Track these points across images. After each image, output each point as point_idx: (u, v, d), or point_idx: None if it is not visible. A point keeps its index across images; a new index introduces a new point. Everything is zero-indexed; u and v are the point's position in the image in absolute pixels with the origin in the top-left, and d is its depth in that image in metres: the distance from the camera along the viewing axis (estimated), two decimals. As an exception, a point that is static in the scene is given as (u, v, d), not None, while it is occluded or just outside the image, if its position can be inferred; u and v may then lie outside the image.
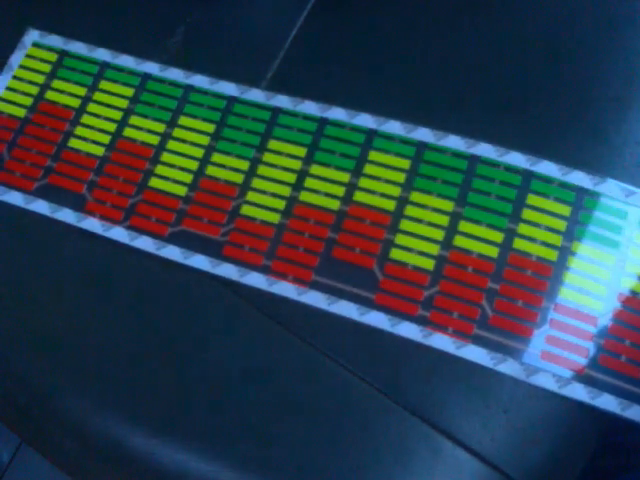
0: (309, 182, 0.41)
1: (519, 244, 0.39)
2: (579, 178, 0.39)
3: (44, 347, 0.40)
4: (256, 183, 0.42)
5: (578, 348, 0.37)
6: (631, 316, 0.38)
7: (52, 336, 0.40)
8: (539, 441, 0.37)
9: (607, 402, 0.37)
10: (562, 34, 0.43)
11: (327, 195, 0.41)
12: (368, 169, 0.41)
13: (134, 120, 0.44)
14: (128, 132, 0.44)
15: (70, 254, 0.42)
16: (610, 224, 0.39)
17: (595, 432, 0.38)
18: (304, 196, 0.41)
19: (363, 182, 0.41)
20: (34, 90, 0.45)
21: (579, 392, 0.37)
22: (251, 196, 0.41)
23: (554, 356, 0.37)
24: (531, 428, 0.37)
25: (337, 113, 0.42)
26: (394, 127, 0.42)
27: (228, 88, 0.44)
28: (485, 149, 0.40)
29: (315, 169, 0.41)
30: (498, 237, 0.39)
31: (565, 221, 0.39)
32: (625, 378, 0.37)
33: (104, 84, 0.45)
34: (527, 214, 0.39)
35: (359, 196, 0.40)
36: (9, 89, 0.46)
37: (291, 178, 0.41)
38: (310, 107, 0.43)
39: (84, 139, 0.44)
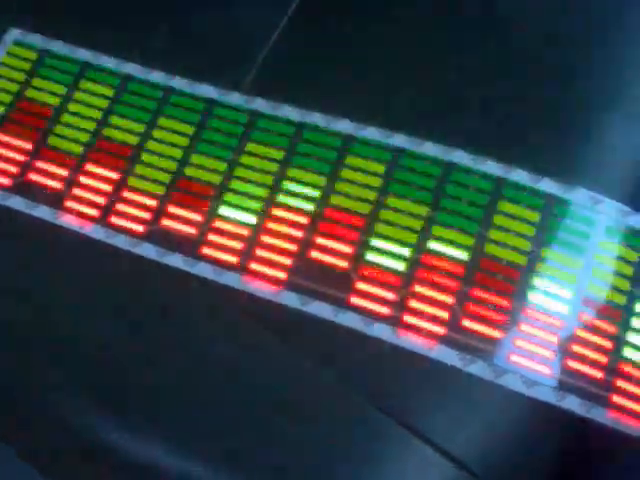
0: (286, 184, 0.42)
1: (490, 249, 0.40)
2: (549, 186, 0.41)
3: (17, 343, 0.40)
4: (234, 184, 0.42)
5: (545, 351, 0.38)
6: (596, 320, 0.39)
7: (26, 331, 0.40)
8: (507, 440, 0.38)
9: (572, 403, 0.38)
10: (539, 48, 0.44)
11: (303, 197, 0.42)
12: (345, 173, 0.42)
13: (114, 120, 0.45)
14: (108, 132, 0.44)
15: (45, 250, 0.42)
16: (578, 231, 0.40)
17: (561, 432, 0.39)
18: (281, 198, 0.42)
19: (339, 186, 0.42)
20: (14, 88, 0.46)
21: (546, 394, 0.38)
22: (228, 197, 0.42)
23: (522, 358, 0.38)
24: (499, 428, 0.38)
25: (315, 118, 0.43)
26: (371, 133, 0.43)
27: (208, 91, 0.45)
28: (460, 156, 0.42)
29: (292, 172, 0.42)
30: (470, 241, 0.40)
31: (534, 227, 0.40)
32: (590, 381, 0.38)
33: (85, 84, 0.46)
34: (498, 220, 0.40)
35: (335, 199, 0.41)
36: (-10, 86, 0.46)
37: (268, 180, 0.42)
38: (289, 112, 0.44)
39: (63, 137, 0.44)
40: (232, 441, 0.38)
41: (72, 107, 0.45)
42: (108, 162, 0.43)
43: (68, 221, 0.42)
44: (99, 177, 0.43)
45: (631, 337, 0.39)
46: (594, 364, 0.39)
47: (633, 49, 0.44)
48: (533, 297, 0.39)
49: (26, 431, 0.41)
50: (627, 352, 0.39)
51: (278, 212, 0.41)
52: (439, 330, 0.39)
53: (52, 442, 0.40)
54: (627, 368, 0.39)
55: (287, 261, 0.40)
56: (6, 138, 0.44)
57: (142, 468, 0.38)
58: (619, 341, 0.39)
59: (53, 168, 0.44)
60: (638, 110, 0.43)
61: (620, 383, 0.39)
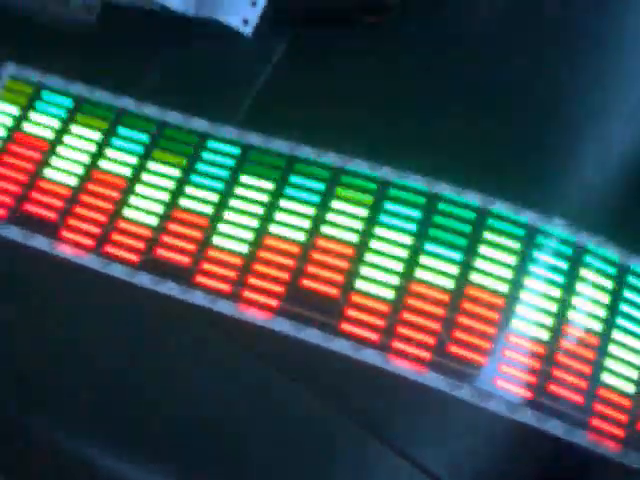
0: (278, 215, 0.43)
1: (474, 277, 0.41)
2: (531, 217, 0.42)
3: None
4: (227, 215, 0.44)
5: (528, 375, 0.40)
6: (576, 346, 0.41)
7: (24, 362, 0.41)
8: (490, 461, 0.39)
9: (554, 427, 0.39)
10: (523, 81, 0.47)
11: (294, 227, 0.43)
12: (334, 204, 0.43)
13: (109, 152, 0.46)
14: (102, 164, 0.46)
15: (42, 280, 0.43)
16: (557, 259, 0.42)
17: (545, 455, 0.41)
18: (272, 228, 0.43)
19: (329, 216, 0.43)
20: (10, 121, 0.47)
21: (528, 417, 0.39)
22: (222, 227, 0.43)
23: (506, 383, 0.40)
24: (483, 449, 0.39)
25: (305, 151, 0.45)
26: (359, 165, 0.44)
27: (201, 125, 0.46)
28: (444, 188, 0.43)
29: (284, 203, 0.44)
30: (456, 270, 0.42)
31: (516, 256, 0.42)
32: (571, 405, 0.40)
33: (80, 117, 0.47)
34: (482, 249, 0.42)
35: (325, 229, 0.43)
36: (-14, 119, 0.47)
37: (260, 211, 0.44)
38: (280, 145, 0.45)
39: (58, 169, 0.46)
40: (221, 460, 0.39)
41: (67, 140, 0.46)
42: (103, 193, 0.45)
43: (64, 251, 0.43)
44: (94, 208, 0.44)
45: (609, 363, 0.41)
46: (574, 389, 0.40)
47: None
48: (516, 324, 0.41)
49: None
50: (605, 377, 0.41)
51: (270, 242, 0.43)
52: (427, 355, 0.40)
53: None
54: (605, 393, 0.41)
55: (279, 289, 0.42)
56: (2, 170, 0.46)
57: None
58: (598, 366, 0.41)
59: (48, 199, 0.45)
60: (608, 154, 0.46)
61: (599, 407, 0.40)
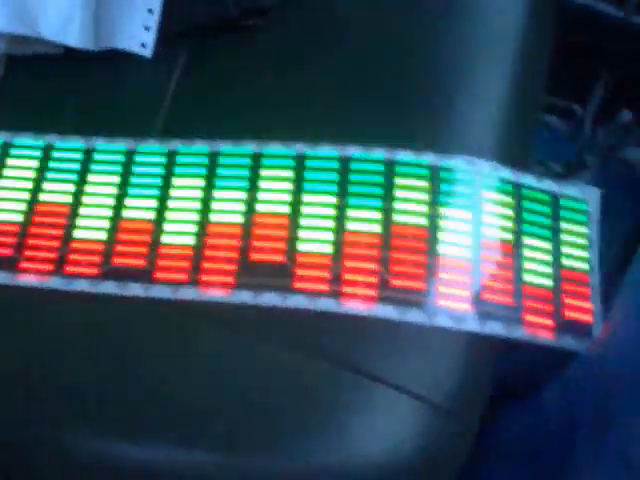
0: (214, 205, 0.48)
1: (396, 218, 0.47)
2: (431, 158, 0.49)
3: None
4: (169, 215, 0.48)
5: (463, 290, 0.46)
6: (495, 256, 0.47)
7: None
8: (452, 370, 0.45)
9: (496, 329, 0.45)
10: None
11: (232, 212, 0.48)
12: (261, 184, 0.49)
13: (46, 186, 0.50)
14: (43, 197, 0.49)
15: (11, 310, 0.47)
16: (462, 189, 0.48)
17: (494, 358, 0.47)
18: (213, 217, 0.48)
19: (260, 195, 0.48)
20: None
21: (472, 325, 0.45)
22: (167, 227, 0.48)
23: (446, 300, 0.45)
24: (442, 361, 0.45)
25: (224, 145, 0.50)
26: (274, 147, 0.50)
27: (125, 143, 0.51)
28: (352, 150, 0.49)
29: (216, 193, 0.48)
30: (379, 216, 0.47)
31: (428, 193, 0.48)
32: (504, 307, 0.46)
33: (10, 160, 0.50)
34: (397, 193, 0.48)
35: (259, 207, 0.48)
36: None
37: (198, 205, 0.48)
38: (200, 144, 0.50)
39: (2, 210, 0.49)
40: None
41: (2, 183, 0.50)
42: (50, 222, 0.48)
43: (26, 280, 0.47)
44: (45, 237, 0.48)
45: (526, 265, 0.47)
46: (504, 292, 0.46)
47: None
48: (442, 249, 0.47)
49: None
50: (525, 278, 0.47)
51: (213, 229, 0.47)
52: (373, 293, 0.45)
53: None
54: (530, 290, 0.47)
55: (232, 267, 0.46)
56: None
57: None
58: (517, 270, 0.47)
59: (0, 238, 0.48)
60: (488, 91, 0.53)
61: (528, 304, 0.46)
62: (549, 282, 0.47)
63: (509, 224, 0.48)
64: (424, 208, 0.48)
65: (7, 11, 0.49)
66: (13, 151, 0.51)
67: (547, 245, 0.48)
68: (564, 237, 0.49)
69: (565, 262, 0.48)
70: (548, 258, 0.48)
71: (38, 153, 0.51)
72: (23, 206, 0.49)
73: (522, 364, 0.52)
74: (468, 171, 0.49)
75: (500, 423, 0.51)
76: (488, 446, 0.51)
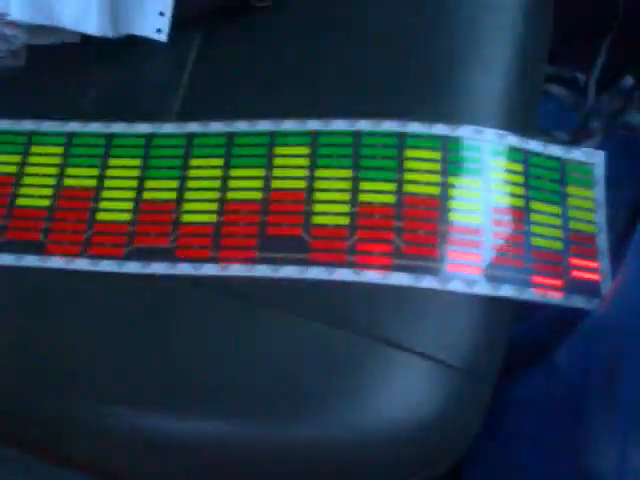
0: (232, 183, 0.50)
1: (408, 188, 0.49)
2: (440, 129, 0.50)
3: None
4: (189, 195, 0.50)
5: (473, 255, 0.47)
6: (505, 222, 0.49)
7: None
8: (466, 332, 0.47)
9: (507, 291, 0.47)
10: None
11: (250, 189, 0.50)
12: (277, 161, 0.50)
13: (70, 171, 0.52)
14: (68, 182, 0.51)
15: (39, 292, 0.49)
16: (471, 157, 0.50)
17: (510, 319, 0.48)
18: (231, 195, 0.50)
19: (276, 172, 0.50)
20: None
21: (484, 288, 0.47)
22: (187, 206, 0.50)
23: (458, 266, 0.47)
24: (458, 324, 0.47)
25: (240, 125, 0.52)
26: (289, 125, 0.51)
27: (144, 127, 0.52)
28: (363, 124, 0.51)
29: (234, 172, 0.50)
30: (392, 187, 0.49)
31: (438, 163, 0.49)
32: (514, 269, 0.48)
33: (35, 148, 0.53)
34: (409, 164, 0.49)
35: (275, 184, 0.50)
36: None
37: (216, 184, 0.50)
38: (217, 126, 0.52)
39: (29, 196, 0.51)
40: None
41: (29, 170, 0.52)
42: (75, 205, 0.50)
43: (54, 263, 0.49)
44: (71, 220, 0.50)
45: (536, 229, 0.49)
46: (514, 256, 0.48)
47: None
48: (453, 216, 0.48)
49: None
50: (534, 241, 0.49)
51: (233, 206, 0.49)
52: (388, 261, 0.47)
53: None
54: (538, 254, 0.48)
55: (251, 243, 0.48)
56: (-22, 211, 0.51)
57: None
58: (526, 234, 0.49)
59: (27, 224, 0.50)
60: (492, 60, 0.54)
61: (537, 266, 0.48)
62: (557, 245, 0.49)
63: (518, 190, 0.50)
64: (435, 178, 0.49)
65: (26, 2, 0.51)
66: (38, 139, 0.53)
67: (555, 209, 0.50)
68: (571, 201, 0.50)
69: (573, 225, 0.49)
70: (556, 222, 0.49)
71: (62, 140, 0.53)
72: (49, 191, 0.51)
73: (531, 332, 0.54)
74: (477, 140, 0.50)
75: (519, 381, 0.53)
76: (510, 401, 0.53)
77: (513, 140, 0.51)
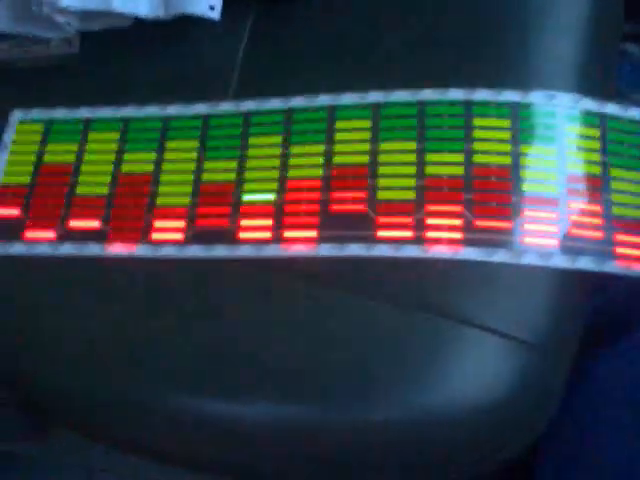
0: (292, 160, 0.48)
1: (478, 158, 0.46)
2: (510, 95, 0.47)
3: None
4: (248, 175, 0.48)
5: (549, 227, 0.45)
6: (583, 190, 0.46)
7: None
8: (542, 307, 0.44)
9: (586, 263, 0.44)
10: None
11: (311, 166, 0.48)
12: (338, 136, 0.48)
13: (127, 156, 0.51)
14: (125, 167, 0.50)
15: (100, 278, 0.48)
16: (544, 124, 0.47)
17: (587, 293, 0.46)
18: (292, 173, 0.48)
19: (337, 147, 0.48)
20: (32, 158, 0.52)
21: (561, 261, 0.44)
22: (247, 186, 0.48)
23: (533, 238, 0.44)
24: (534, 299, 0.44)
25: (298, 101, 0.50)
26: (349, 98, 0.49)
27: (201, 108, 0.51)
28: (427, 94, 0.48)
29: (294, 149, 0.48)
30: (460, 158, 0.46)
31: (509, 131, 0.47)
32: (594, 241, 0.45)
33: (92, 135, 0.52)
34: (477, 134, 0.47)
35: (337, 159, 0.48)
36: (11, 163, 0.52)
37: (276, 162, 0.48)
38: (274, 103, 0.50)
39: (88, 184, 0.50)
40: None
41: (88, 157, 0.51)
42: (134, 191, 0.49)
43: (116, 250, 0.48)
44: (130, 206, 0.49)
45: (616, 197, 0.46)
46: (593, 227, 0.45)
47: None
48: (527, 187, 0.45)
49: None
50: (615, 210, 0.46)
51: (294, 184, 0.48)
52: (459, 236, 0.45)
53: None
54: (620, 223, 0.45)
55: (314, 221, 0.46)
56: (41, 200, 0.50)
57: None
58: (607, 203, 0.46)
59: (87, 212, 0.49)
60: (563, 22, 0.51)
61: (619, 237, 0.45)
62: (640, 213, 0.46)
63: (595, 157, 0.47)
64: (506, 147, 0.46)
65: (76, -13, 0.50)
66: (95, 125, 0.52)
67: (638, 175, 0.47)
68: (655, 165, 0.47)
69: (657, 191, 0.46)
70: (638, 189, 0.46)
71: (118, 125, 0.52)
72: (108, 178, 0.50)
73: (610, 307, 0.51)
74: (549, 105, 0.47)
75: (600, 361, 0.50)
76: (591, 381, 0.50)
77: (589, 104, 0.48)
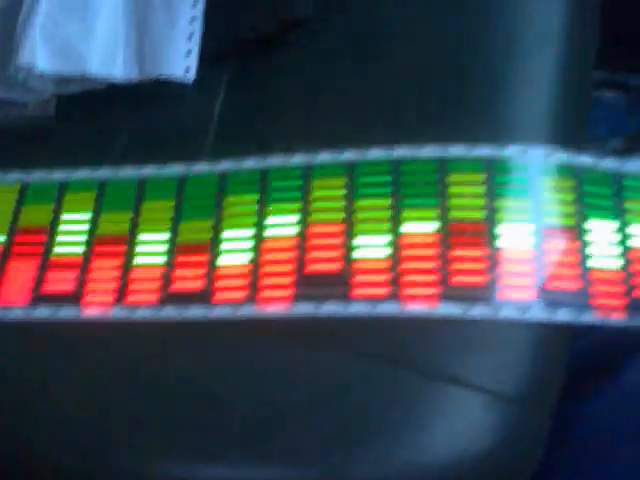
0: (268, 220, 0.48)
1: (453, 214, 0.46)
2: (484, 150, 0.47)
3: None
4: (224, 235, 0.48)
5: (527, 280, 0.44)
6: (559, 243, 0.45)
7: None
8: (522, 360, 0.43)
9: (564, 315, 0.44)
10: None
11: (286, 225, 0.48)
12: (313, 194, 0.48)
13: (104, 217, 0.50)
14: (100, 229, 0.50)
15: (73, 344, 0.47)
16: (517, 178, 0.47)
17: (568, 341, 0.45)
18: (267, 232, 0.48)
19: (312, 205, 0.48)
20: (8, 220, 0.51)
21: (539, 314, 0.44)
22: (223, 247, 0.48)
23: (510, 292, 0.44)
24: (512, 353, 0.44)
25: (274, 160, 0.50)
26: (323, 157, 0.49)
27: (176, 168, 0.51)
28: (402, 151, 0.48)
29: (270, 208, 0.48)
30: (436, 214, 0.46)
31: (484, 185, 0.47)
32: (572, 292, 0.44)
33: (67, 197, 0.52)
34: (452, 189, 0.47)
35: (312, 217, 0.47)
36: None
37: (252, 221, 0.48)
38: (250, 162, 0.50)
39: (64, 245, 0.50)
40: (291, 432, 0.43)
41: (63, 220, 0.51)
42: (110, 252, 0.49)
43: (90, 313, 0.47)
44: (106, 268, 0.49)
45: (592, 248, 0.46)
46: (570, 278, 0.45)
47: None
48: (502, 241, 0.45)
49: None
50: (591, 262, 0.45)
51: (269, 244, 0.47)
52: (434, 292, 0.44)
53: None
54: (597, 274, 0.45)
55: (289, 280, 0.46)
56: (15, 263, 0.50)
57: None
58: (583, 254, 0.46)
59: (64, 274, 0.49)
60: (534, 74, 0.51)
61: (596, 287, 0.45)
62: (617, 264, 0.45)
63: (571, 208, 0.47)
64: (481, 201, 0.46)
65: (50, 51, 0.50)
66: (70, 187, 0.52)
67: (613, 226, 0.46)
68: (630, 217, 0.47)
69: (633, 242, 0.46)
70: (614, 240, 0.46)
71: (94, 187, 0.52)
72: (83, 239, 0.50)
73: (590, 351, 0.51)
74: (523, 159, 0.47)
75: (584, 400, 0.50)
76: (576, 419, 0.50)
77: (562, 156, 0.48)
